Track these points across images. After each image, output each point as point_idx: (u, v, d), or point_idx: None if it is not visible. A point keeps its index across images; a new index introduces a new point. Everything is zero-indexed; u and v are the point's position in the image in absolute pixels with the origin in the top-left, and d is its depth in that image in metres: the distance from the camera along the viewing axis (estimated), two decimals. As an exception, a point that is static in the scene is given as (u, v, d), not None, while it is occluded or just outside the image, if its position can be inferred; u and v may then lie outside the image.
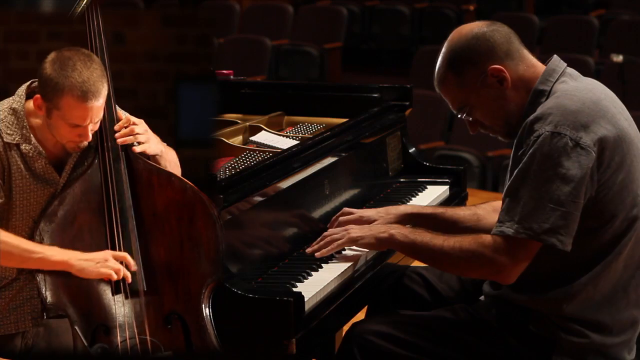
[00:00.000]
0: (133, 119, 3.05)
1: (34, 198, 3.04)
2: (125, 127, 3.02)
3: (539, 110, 2.89)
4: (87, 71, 2.91)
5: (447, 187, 4.10)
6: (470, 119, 3.04)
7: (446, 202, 3.99)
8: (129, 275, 2.90)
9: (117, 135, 3.00)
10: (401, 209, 3.43)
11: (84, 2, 3.04)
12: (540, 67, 3.02)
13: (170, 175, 2.98)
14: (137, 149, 3.00)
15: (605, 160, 2.86)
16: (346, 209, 3.44)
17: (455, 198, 4.08)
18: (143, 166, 2.98)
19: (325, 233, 3.27)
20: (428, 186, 4.09)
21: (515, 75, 2.98)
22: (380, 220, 3.33)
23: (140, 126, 3.04)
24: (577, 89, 2.95)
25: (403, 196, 3.93)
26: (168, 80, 3.24)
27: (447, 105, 3.12)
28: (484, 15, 9.85)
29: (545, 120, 2.85)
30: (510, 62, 2.98)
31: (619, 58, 8.33)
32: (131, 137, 3.00)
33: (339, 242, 3.18)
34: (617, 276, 2.95)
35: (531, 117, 2.88)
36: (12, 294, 3.11)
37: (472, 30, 3.00)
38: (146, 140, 3.02)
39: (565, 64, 3.03)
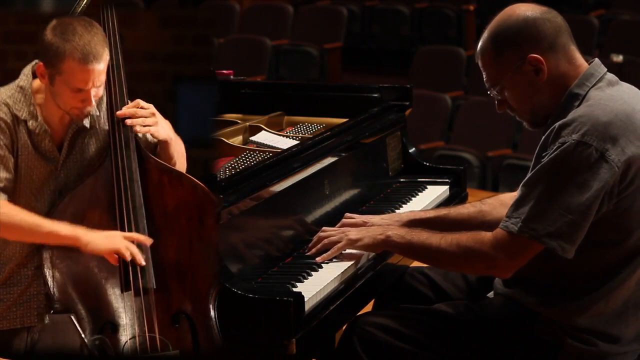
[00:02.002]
0: (142, 102, 3.06)
1: (36, 175, 3.06)
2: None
3: (570, 115, 2.86)
4: (88, 35, 2.94)
5: (447, 187, 4.10)
6: (500, 97, 3.01)
7: (446, 202, 3.99)
8: (139, 255, 2.87)
9: (119, 113, 3.01)
10: (404, 215, 3.43)
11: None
12: (583, 67, 2.97)
13: (181, 175, 2.98)
14: (144, 129, 3.02)
15: (628, 177, 2.84)
16: (349, 214, 3.43)
17: (455, 198, 4.08)
18: (154, 165, 2.99)
19: (320, 234, 3.27)
20: (428, 186, 4.09)
21: (554, 70, 2.94)
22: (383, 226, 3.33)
23: (149, 110, 3.05)
24: (611, 98, 2.91)
25: (403, 196, 3.93)
26: (166, 80, 3.25)
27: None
28: (484, 16, 9.85)
29: (574, 129, 2.82)
30: (552, 55, 2.93)
31: (619, 58, 8.32)
32: (138, 119, 3.01)
33: (339, 245, 3.19)
34: (630, 293, 2.95)
35: (560, 122, 2.86)
36: (21, 290, 3.13)
37: (525, 12, 2.94)
38: (153, 123, 3.03)
39: (606, 70, 2.99)
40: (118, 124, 3.00)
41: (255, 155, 3.65)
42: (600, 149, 2.80)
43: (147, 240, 2.90)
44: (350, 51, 10.72)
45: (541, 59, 2.92)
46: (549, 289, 2.96)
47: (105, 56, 2.97)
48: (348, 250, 3.25)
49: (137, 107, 3.03)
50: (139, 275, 2.90)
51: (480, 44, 3.00)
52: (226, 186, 3.04)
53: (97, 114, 3.14)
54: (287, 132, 4.10)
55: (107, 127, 3.11)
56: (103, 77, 2.99)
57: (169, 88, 4.06)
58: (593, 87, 2.94)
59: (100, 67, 2.96)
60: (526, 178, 2.90)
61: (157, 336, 2.89)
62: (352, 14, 10.88)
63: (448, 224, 3.31)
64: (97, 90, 3.00)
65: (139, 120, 3.01)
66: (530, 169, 2.96)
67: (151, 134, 3.06)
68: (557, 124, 2.86)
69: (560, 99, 2.95)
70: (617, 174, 2.82)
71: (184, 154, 3.15)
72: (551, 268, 2.92)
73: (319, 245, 3.23)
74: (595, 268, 2.91)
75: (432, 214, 3.43)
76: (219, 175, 3.39)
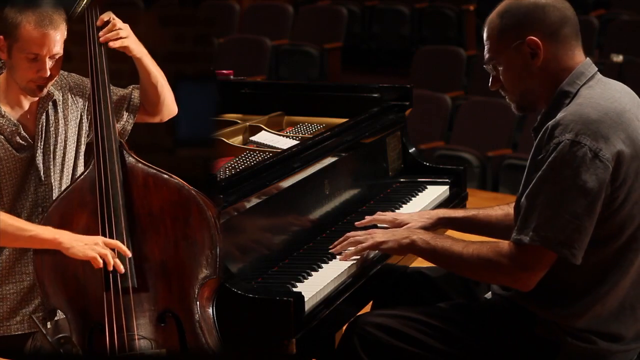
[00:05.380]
0: (113, 15, 3.11)
1: (20, 169, 3.13)
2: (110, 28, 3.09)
3: (561, 114, 2.87)
4: (46, 7, 3.05)
5: (447, 187, 4.10)
6: (494, 73, 3.02)
7: (446, 203, 3.99)
8: (119, 263, 2.87)
9: (98, 23, 3.07)
10: (434, 213, 3.47)
11: (84, 2, 3.05)
12: (578, 65, 2.98)
13: (167, 175, 2.98)
14: (116, 44, 3.07)
15: (620, 176, 2.84)
16: (380, 212, 3.49)
17: (455, 198, 4.08)
18: (139, 167, 2.99)
19: (348, 234, 3.27)
20: (428, 186, 4.09)
21: (552, 57, 2.95)
22: (412, 224, 3.36)
23: (121, 25, 3.10)
24: (602, 96, 2.91)
25: (403, 196, 3.93)
26: (166, 79, 3.26)
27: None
28: (484, 16, 9.84)
29: (566, 128, 2.82)
30: (551, 42, 2.94)
31: (619, 58, 8.33)
32: (113, 32, 3.06)
33: (364, 245, 3.19)
34: (624, 294, 2.95)
35: (552, 121, 2.86)
36: (23, 292, 3.16)
37: None
38: (127, 35, 3.09)
39: (596, 69, 2.99)
40: (102, 127, 3.01)
41: (255, 155, 3.65)
42: (593, 148, 2.81)
43: (126, 253, 2.89)
44: (350, 51, 10.72)
45: (539, 42, 2.93)
46: (544, 293, 2.96)
47: (62, 28, 3.06)
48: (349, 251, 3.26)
49: (113, 25, 3.08)
50: (118, 275, 2.89)
51: (490, 15, 3.03)
52: (226, 186, 3.04)
53: (60, 97, 3.21)
54: (287, 132, 4.09)
55: (73, 111, 3.21)
56: (58, 49, 3.07)
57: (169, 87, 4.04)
58: (584, 86, 2.94)
59: (56, 36, 3.04)
60: (529, 188, 2.89)
61: (136, 335, 2.88)
62: (352, 14, 10.88)
63: (476, 225, 3.34)
64: (53, 63, 3.07)
65: (113, 34, 3.06)
66: (526, 171, 2.97)
67: (124, 49, 3.09)
68: (549, 124, 2.87)
69: (551, 89, 2.96)
70: (610, 172, 2.82)
71: (166, 80, 3.23)
72: (547, 274, 2.92)
73: (344, 243, 3.24)
74: (588, 268, 2.90)
75: (461, 213, 3.47)
76: (219, 175, 3.39)
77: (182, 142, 3.30)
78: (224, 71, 4.44)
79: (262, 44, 10.23)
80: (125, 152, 3.01)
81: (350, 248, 3.23)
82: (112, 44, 3.07)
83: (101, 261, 2.85)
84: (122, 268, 2.87)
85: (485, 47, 3.03)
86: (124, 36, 3.08)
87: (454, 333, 3.04)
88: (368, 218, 3.49)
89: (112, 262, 2.86)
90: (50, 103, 3.19)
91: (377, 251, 3.28)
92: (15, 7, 3.05)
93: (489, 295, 3.21)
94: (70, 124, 3.23)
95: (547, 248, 2.84)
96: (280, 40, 10.52)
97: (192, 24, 4.47)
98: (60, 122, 3.20)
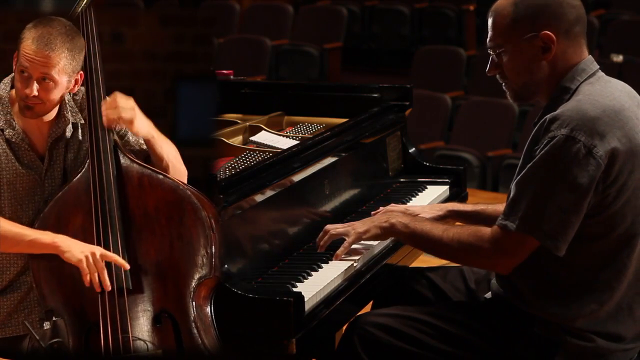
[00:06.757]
0: (119, 96, 3.02)
1: (19, 184, 3.08)
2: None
3: (560, 109, 2.88)
4: (53, 28, 2.97)
5: (447, 187, 4.10)
6: (496, 60, 3.01)
7: (446, 202, 3.98)
8: (106, 281, 2.86)
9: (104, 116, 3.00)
10: (443, 206, 3.51)
11: (84, 2, 3.04)
12: (582, 60, 2.98)
13: (162, 175, 2.97)
14: (118, 125, 3.00)
15: (613, 174, 2.85)
16: (394, 205, 3.53)
17: (455, 198, 4.08)
18: (134, 167, 2.98)
19: (327, 227, 3.27)
20: (428, 186, 4.09)
21: (561, 54, 2.95)
22: (423, 215, 3.40)
23: (128, 102, 3.01)
24: (601, 93, 2.92)
25: (403, 196, 3.93)
26: (166, 79, 3.25)
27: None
28: (484, 16, 9.84)
29: (563, 123, 2.83)
30: (564, 40, 2.94)
31: (619, 58, 8.33)
32: (114, 110, 2.98)
33: (349, 240, 3.21)
34: (621, 294, 2.96)
35: (549, 115, 2.87)
36: (20, 296, 3.15)
37: None
38: (130, 117, 2.99)
39: (598, 67, 3.00)
40: (96, 127, 2.99)
41: (255, 155, 3.65)
42: (588, 144, 2.82)
43: (124, 266, 2.88)
44: (350, 51, 10.72)
45: (554, 38, 2.93)
46: (541, 295, 2.97)
47: (62, 54, 2.96)
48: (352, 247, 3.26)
49: (114, 107, 2.99)
50: (114, 277, 2.89)
51: (499, 1, 3.00)
52: (226, 186, 3.04)
53: (82, 122, 3.15)
54: (287, 132, 4.09)
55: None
56: (51, 73, 2.97)
57: (169, 87, 4.05)
58: (584, 82, 2.95)
59: (50, 58, 2.95)
60: (519, 176, 2.91)
61: (130, 336, 2.88)
62: (352, 14, 10.88)
63: (484, 220, 3.36)
64: (43, 84, 2.98)
65: (114, 112, 2.97)
66: (520, 161, 2.98)
67: (130, 130, 3.04)
68: (547, 117, 2.88)
69: (554, 84, 2.96)
70: (602, 169, 2.83)
71: (179, 157, 3.12)
72: (540, 274, 2.95)
73: (325, 238, 3.25)
74: (582, 267, 2.92)
75: (470, 208, 3.50)
76: (219, 175, 3.39)
77: (182, 142, 3.28)
78: (224, 71, 4.44)
79: (262, 44, 10.22)
80: (120, 152, 3.00)
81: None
82: (113, 125, 3.00)
83: (88, 272, 2.85)
84: (108, 285, 2.87)
85: (491, 32, 3.01)
86: (126, 117, 2.98)
87: (454, 333, 3.04)
88: (382, 209, 3.50)
89: (105, 281, 2.85)
90: (70, 128, 3.13)
91: (373, 249, 3.28)
92: (32, 23, 2.99)
93: (488, 295, 3.21)
94: (79, 150, 3.16)
95: (532, 237, 2.87)
96: (280, 40, 10.52)
97: (192, 24, 4.47)
98: (76, 147, 3.15)
